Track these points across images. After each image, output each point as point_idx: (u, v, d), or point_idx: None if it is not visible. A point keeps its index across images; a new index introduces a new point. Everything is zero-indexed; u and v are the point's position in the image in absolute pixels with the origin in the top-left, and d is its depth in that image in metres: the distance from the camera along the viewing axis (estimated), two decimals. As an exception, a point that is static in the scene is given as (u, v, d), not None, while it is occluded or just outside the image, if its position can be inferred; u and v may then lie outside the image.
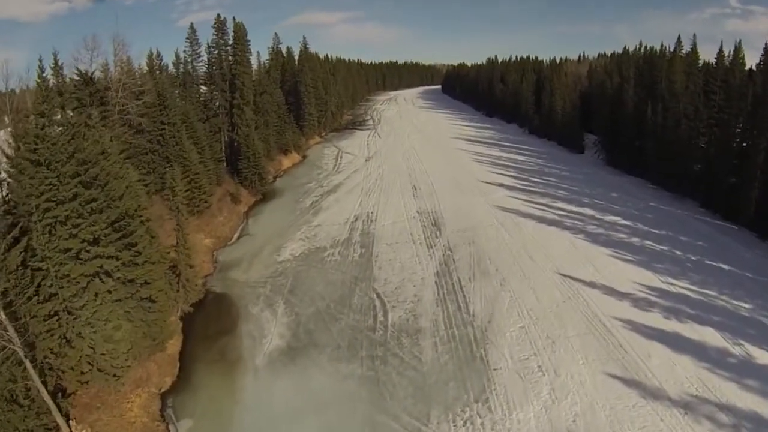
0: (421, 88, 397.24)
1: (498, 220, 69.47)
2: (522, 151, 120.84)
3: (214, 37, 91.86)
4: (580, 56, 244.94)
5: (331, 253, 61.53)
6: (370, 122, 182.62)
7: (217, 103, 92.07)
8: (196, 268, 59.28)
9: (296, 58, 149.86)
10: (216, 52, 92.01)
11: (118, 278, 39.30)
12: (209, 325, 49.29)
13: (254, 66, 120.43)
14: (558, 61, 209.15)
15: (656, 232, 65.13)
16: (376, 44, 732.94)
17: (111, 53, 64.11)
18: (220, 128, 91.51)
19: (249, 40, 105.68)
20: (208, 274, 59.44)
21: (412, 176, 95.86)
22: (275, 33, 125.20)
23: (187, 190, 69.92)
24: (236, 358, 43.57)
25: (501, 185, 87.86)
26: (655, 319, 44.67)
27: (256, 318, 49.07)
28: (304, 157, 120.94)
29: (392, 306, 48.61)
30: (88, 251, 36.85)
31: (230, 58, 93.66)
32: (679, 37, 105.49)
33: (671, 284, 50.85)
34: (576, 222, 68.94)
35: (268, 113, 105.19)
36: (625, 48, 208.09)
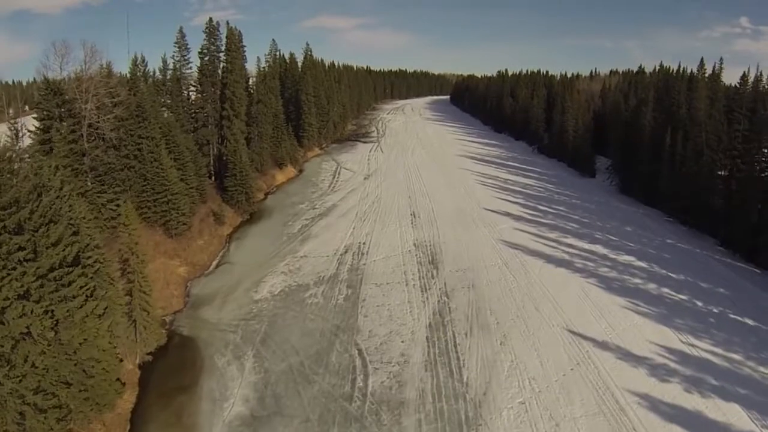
0: (429, 98, 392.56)
1: (502, 259, 63.22)
2: (530, 174, 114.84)
3: (205, 42, 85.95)
4: (592, 72, 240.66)
5: (314, 293, 55.26)
6: (374, 134, 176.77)
7: (207, 114, 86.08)
8: (164, 303, 53.99)
9: (300, 64, 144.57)
10: (207, 58, 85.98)
11: (52, 339, 33.24)
12: (169, 378, 43.23)
13: (254, 73, 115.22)
14: (569, 76, 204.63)
15: (674, 276, 59.31)
16: (386, 51, 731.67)
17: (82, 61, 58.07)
18: (208, 140, 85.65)
19: (244, 46, 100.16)
20: (177, 311, 53.78)
21: (412, 199, 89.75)
22: (273, 39, 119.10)
23: (164, 211, 64.56)
24: (192, 424, 37.47)
25: (507, 214, 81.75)
26: (674, 392, 38.68)
27: (221, 373, 42.88)
28: (301, 171, 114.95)
29: (375, 368, 42.27)
30: (14, 308, 30.83)
31: (222, 65, 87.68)
32: (702, 60, 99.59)
33: (693, 346, 45.01)
34: (587, 263, 62.82)
35: (263, 125, 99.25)
36: (640, 67, 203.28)
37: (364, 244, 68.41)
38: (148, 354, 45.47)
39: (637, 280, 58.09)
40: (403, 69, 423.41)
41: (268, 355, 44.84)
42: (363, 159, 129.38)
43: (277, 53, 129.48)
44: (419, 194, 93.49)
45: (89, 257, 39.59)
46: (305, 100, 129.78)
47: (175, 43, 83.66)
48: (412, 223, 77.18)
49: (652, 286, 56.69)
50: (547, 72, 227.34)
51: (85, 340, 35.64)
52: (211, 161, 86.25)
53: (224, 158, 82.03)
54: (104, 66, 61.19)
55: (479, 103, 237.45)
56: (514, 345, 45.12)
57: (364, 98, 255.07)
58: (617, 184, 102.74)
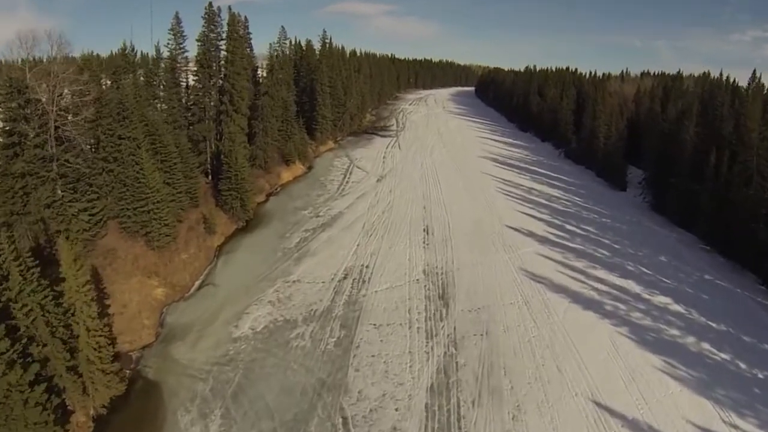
0: (453, 89, 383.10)
1: (523, 296, 55.19)
2: (557, 183, 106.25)
3: (204, 29, 78.02)
4: (622, 73, 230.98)
5: (301, 333, 47.60)
6: (393, 127, 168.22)
7: (203, 107, 78.55)
8: (132, 336, 47.06)
9: (317, 52, 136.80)
10: (205, 47, 78.20)
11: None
12: (124, 437, 36.29)
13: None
14: (600, 76, 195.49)
15: (715, 327, 51.31)
16: (412, 39, 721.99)
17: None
18: (204, 137, 78.19)
19: (250, 34, 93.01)
20: (147, 345, 46.81)
21: (427, 210, 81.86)
22: (281, 27, 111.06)
23: (144, 222, 57.42)
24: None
25: (530, 234, 73.64)
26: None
27: (180, 437, 35.68)
28: (310, 168, 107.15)
29: (360, 447, 34.74)
30: None
31: (222, 54, 79.98)
32: (754, 73, 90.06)
33: (736, 428, 37.46)
34: (619, 304, 54.69)
35: (269, 119, 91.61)
36: (679, 72, 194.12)
37: (366, 267, 60.60)
38: (102, 406, 38.51)
39: (675, 331, 50.01)
40: (428, 58, 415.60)
41: (237, 416, 37.54)
42: (378, 156, 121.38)
43: (287, 41, 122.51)
44: (435, 203, 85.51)
45: (23, 307, 32.90)
46: (320, 91, 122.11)
47: (170, 29, 76.04)
48: (424, 241, 69.25)
49: (690, 340, 48.68)
50: (575, 70, 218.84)
51: (7, 416, 28.92)
52: (208, 159, 78.88)
53: (221, 157, 74.65)
54: (70, 56, 53.51)
55: (505, 98, 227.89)
56: (529, 421, 37.37)
57: (386, 87, 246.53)
58: (650, 202, 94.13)
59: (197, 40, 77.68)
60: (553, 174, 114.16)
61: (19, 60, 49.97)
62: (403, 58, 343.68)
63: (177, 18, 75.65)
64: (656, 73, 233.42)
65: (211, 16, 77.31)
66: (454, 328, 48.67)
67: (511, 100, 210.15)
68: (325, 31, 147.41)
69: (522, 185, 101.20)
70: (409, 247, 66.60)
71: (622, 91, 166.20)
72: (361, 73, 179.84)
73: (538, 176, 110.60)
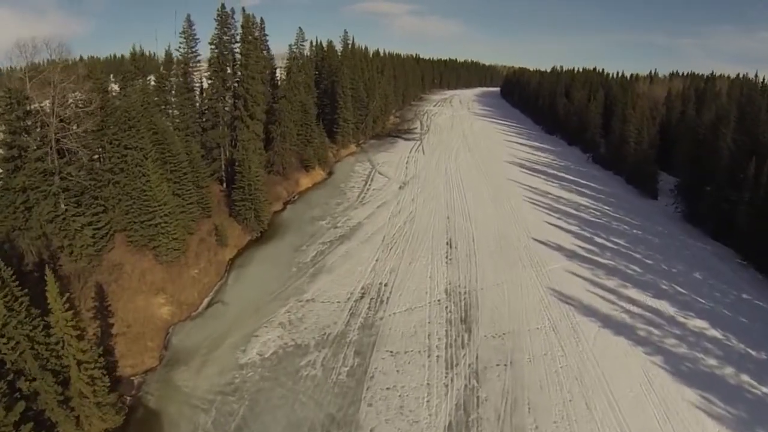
0: (478, 90, 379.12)
1: (550, 320, 51.50)
2: (585, 190, 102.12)
3: (217, 31, 75.09)
4: (651, 74, 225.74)
5: (313, 360, 44.39)
6: (417, 130, 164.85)
7: (217, 113, 75.78)
8: (135, 359, 44.46)
9: (339, 53, 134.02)
10: (217, 50, 75.34)
11: None
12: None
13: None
14: (627, 76, 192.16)
15: (755, 355, 47.46)
16: (436, 39, 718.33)
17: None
18: (218, 143, 75.42)
19: (267, 36, 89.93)
20: (149, 369, 43.97)
21: (451, 221, 78.30)
22: (299, 28, 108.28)
23: (152, 236, 54.77)
24: None
25: (559, 248, 69.85)
26: None
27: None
28: (330, 174, 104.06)
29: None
30: None
31: (237, 57, 77.07)
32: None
33: None
34: (652, 329, 50.93)
35: (287, 123, 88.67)
36: (712, 74, 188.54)
37: (385, 286, 57.21)
38: (103, 437, 35.93)
39: (712, 361, 46.16)
40: (453, 58, 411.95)
41: (239, 454, 34.42)
42: (401, 161, 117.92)
43: (305, 42, 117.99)
44: (459, 213, 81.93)
45: (9, 340, 30.46)
46: (341, 94, 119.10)
47: (181, 32, 73.20)
48: (446, 255, 65.70)
49: (729, 371, 44.86)
50: (602, 71, 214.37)
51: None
52: (222, 166, 76.15)
53: (235, 164, 71.90)
54: (73, 61, 50.96)
55: (530, 99, 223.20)
56: (557, 467, 33.80)
57: (411, 88, 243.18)
58: (682, 211, 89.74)
59: (210, 43, 74.96)
60: (581, 180, 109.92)
61: (20, 68, 47.32)
62: (427, 58, 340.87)
63: (188, 21, 72.84)
64: (685, 74, 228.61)
65: (224, 18, 74.36)
66: (477, 357, 45.15)
67: (537, 102, 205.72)
68: (346, 32, 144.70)
69: (550, 193, 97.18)
70: (430, 263, 63.11)
71: (651, 93, 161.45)
72: (384, 74, 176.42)
73: (566, 183, 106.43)
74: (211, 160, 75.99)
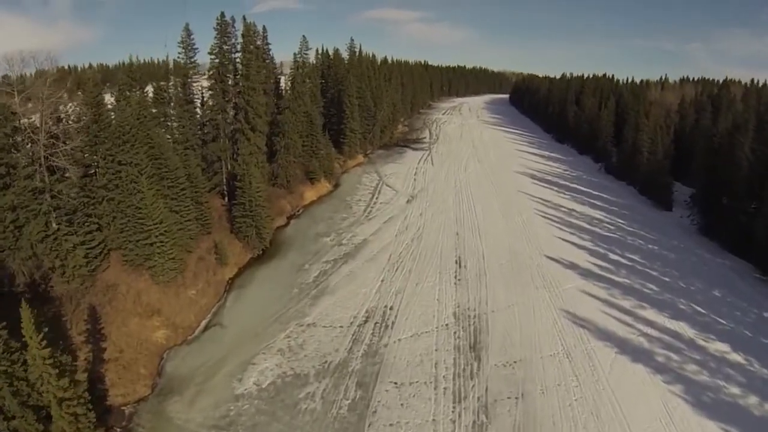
0: (487, 97, 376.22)
1: (564, 346, 48.76)
2: (598, 202, 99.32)
3: (216, 41, 72.76)
4: (661, 79, 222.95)
5: (312, 392, 41.76)
6: (426, 139, 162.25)
7: (217, 125, 73.51)
8: (126, 388, 42.30)
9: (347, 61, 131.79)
10: (218, 61, 73.02)
11: None
12: None
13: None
14: (638, 82, 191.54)
15: (780, 382, 44.06)
16: (445, 46, 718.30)
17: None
18: (219, 156, 73.14)
19: (269, 45, 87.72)
20: (141, 398, 41.56)
21: (460, 237, 75.60)
22: (303, 36, 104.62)
23: (147, 255, 52.52)
24: None
25: (572, 266, 67.12)
26: None
27: None
28: (336, 186, 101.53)
29: None
30: None
31: (238, 67, 74.72)
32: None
33: None
34: (671, 354, 48.33)
35: (291, 134, 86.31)
36: (725, 79, 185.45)
37: (390, 309, 54.55)
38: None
39: (735, 389, 43.47)
40: (462, 65, 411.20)
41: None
42: (410, 172, 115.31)
43: (309, 51, 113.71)
44: (468, 228, 79.25)
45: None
46: (347, 103, 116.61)
47: (180, 42, 70.82)
48: (455, 275, 62.99)
49: (753, 401, 42.23)
50: (613, 77, 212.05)
51: None
52: (224, 179, 73.82)
53: (237, 178, 69.63)
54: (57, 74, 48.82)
55: (540, 107, 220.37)
56: None
57: (419, 96, 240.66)
58: (698, 224, 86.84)
59: (209, 53, 72.60)
60: (594, 192, 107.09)
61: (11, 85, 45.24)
62: (436, 65, 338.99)
63: (187, 30, 70.51)
64: (696, 79, 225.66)
65: (223, 27, 71.96)
66: (486, 389, 42.42)
67: (547, 110, 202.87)
68: (352, 40, 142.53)
69: (562, 206, 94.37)
70: (438, 284, 60.43)
71: (663, 100, 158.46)
72: (392, 82, 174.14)
73: (579, 195, 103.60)
74: (212, 174, 73.79)
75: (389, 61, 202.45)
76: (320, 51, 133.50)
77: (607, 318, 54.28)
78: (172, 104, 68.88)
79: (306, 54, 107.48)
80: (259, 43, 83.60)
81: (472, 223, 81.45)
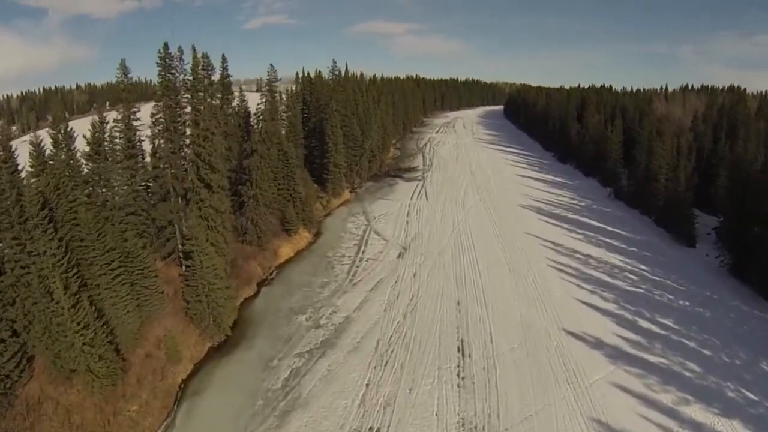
0: (480, 110, 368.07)
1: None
2: (614, 241, 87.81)
3: (161, 78, 59.90)
4: (663, 89, 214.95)
5: None
6: (419, 167, 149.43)
7: (163, 182, 61.12)
8: None
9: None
10: (161, 104, 60.32)
11: None
12: None
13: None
14: (636, 91, 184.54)
15: None
16: (436, 57, 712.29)
17: None
18: (171, 220, 60.95)
19: (229, 77, 75.54)
20: None
21: (462, 308, 62.92)
22: (270, 65, 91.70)
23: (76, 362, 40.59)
24: None
25: (598, 344, 55.30)
26: None
27: None
28: (317, 235, 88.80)
29: None
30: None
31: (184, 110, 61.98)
32: None
33: None
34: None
35: (261, 182, 74.25)
36: (738, 88, 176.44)
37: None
38: None
39: None
40: (454, 78, 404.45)
41: None
42: (401, 212, 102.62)
43: (277, 82, 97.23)
44: (471, 294, 66.98)
45: None
46: (330, 134, 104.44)
47: (118, 78, 58.34)
48: (457, 371, 50.39)
49: None
50: (610, 87, 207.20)
51: None
52: (178, 245, 61.57)
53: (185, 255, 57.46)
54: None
55: (538, 122, 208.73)
56: None
57: (411, 114, 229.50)
58: (727, 263, 76.02)
59: (156, 92, 60.13)
60: (608, 228, 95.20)
61: None
62: (428, 78, 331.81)
63: (123, 66, 58.37)
64: (698, 88, 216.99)
65: (166, 62, 59.17)
66: None
67: (546, 126, 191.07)
68: (335, 62, 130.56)
69: (576, 251, 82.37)
70: (437, 388, 47.84)
71: (671, 114, 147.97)
72: (381, 102, 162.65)
73: (592, 233, 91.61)
74: (165, 240, 61.60)
75: (379, 80, 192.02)
76: (301, 74, 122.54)
77: (647, 425, 42.64)
78: (110, 159, 56.31)
79: (275, 84, 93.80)
80: (216, 77, 71.35)
81: (476, 285, 69.21)
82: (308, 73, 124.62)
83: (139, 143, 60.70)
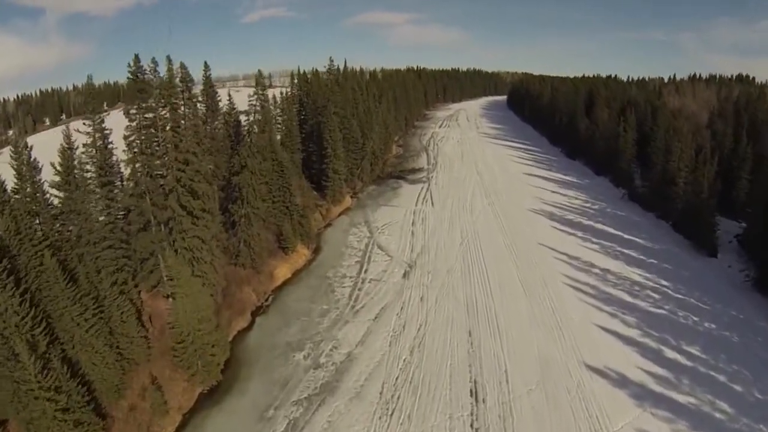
0: (483, 100, 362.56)
1: None
2: (633, 252, 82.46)
3: (139, 95, 53.78)
4: (671, 80, 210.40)
5: None
6: (423, 166, 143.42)
7: (141, 211, 55.73)
8: None
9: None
10: (134, 124, 54.48)
11: None
12: None
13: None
14: (641, 79, 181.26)
15: None
16: (437, 47, 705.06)
17: None
18: (152, 252, 55.82)
19: (214, 88, 70.29)
20: None
21: (474, 340, 57.41)
22: (258, 71, 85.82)
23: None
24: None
25: (622, 382, 50.33)
26: None
27: None
28: (316, 251, 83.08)
29: None
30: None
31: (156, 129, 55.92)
32: None
33: None
34: None
35: (253, 200, 69.00)
36: (747, 77, 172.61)
37: None
38: None
39: None
40: (455, 68, 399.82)
41: None
42: (406, 220, 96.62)
43: (265, 92, 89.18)
44: (484, 321, 61.59)
45: None
46: (329, 139, 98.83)
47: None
48: (471, 425, 45.04)
49: None
50: (621, 79, 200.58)
51: None
52: (164, 277, 56.48)
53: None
54: None
55: (544, 115, 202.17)
56: None
57: (414, 108, 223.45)
58: (753, 277, 70.83)
59: (125, 114, 54.37)
60: (624, 235, 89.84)
61: None
62: (429, 68, 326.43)
63: (89, 83, 52.79)
64: (707, 77, 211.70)
65: (137, 75, 53.20)
66: None
67: (553, 119, 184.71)
68: (332, 60, 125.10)
69: (594, 264, 77.11)
70: (449, 442, 43.13)
71: (685, 108, 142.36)
72: (383, 99, 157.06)
73: (608, 242, 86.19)
74: (148, 272, 56.51)
75: (379, 73, 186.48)
76: (296, 73, 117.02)
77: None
78: (81, 188, 50.82)
79: (263, 95, 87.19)
80: (198, 89, 65.76)
81: (488, 310, 63.88)
82: (304, 72, 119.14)
83: (116, 164, 55.29)
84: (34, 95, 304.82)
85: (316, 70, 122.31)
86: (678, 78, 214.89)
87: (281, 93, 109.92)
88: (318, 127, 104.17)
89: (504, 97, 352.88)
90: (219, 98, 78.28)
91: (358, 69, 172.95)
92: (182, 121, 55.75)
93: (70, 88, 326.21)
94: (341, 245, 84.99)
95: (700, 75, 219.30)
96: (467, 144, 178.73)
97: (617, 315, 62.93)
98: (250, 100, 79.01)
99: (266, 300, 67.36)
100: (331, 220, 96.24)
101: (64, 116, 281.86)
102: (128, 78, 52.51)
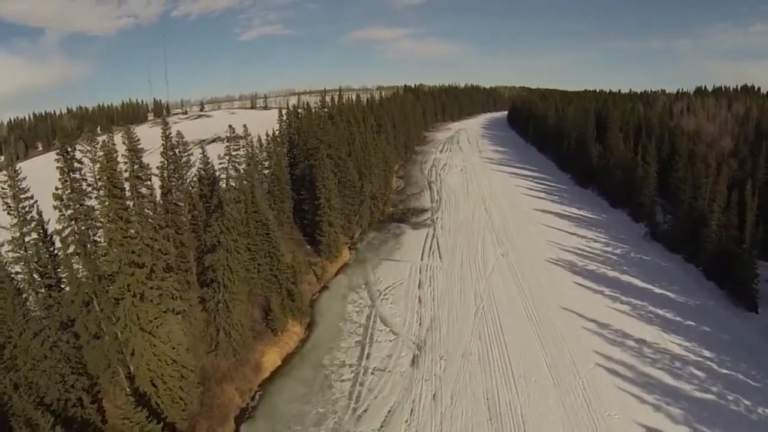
0: (482, 118, 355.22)
1: None
2: (669, 313, 72.80)
3: (62, 178, 43.68)
4: (678, 94, 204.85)
5: None
6: (427, 205, 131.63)
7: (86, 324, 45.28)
8: None
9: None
10: (69, 212, 44.34)
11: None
12: None
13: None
14: (644, 93, 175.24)
15: None
16: (435, 62, 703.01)
17: None
18: (109, 365, 45.55)
19: (188, 152, 60.63)
20: None
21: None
22: (229, 126, 73.93)
23: None
24: None
25: None
26: None
27: None
28: (310, 327, 72.06)
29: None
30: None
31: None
32: None
33: None
34: None
35: (231, 284, 58.62)
36: (752, 87, 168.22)
37: None
38: None
39: None
40: (454, 85, 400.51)
41: None
42: (412, 282, 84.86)
43: (238, 148, 74.59)
44: (509, 429, 51.37)
45: None
46: (322, 187, 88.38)
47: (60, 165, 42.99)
48: None
49: None
50: (622, 92, 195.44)
51: None
52: (126, 389, 46.24)
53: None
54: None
55: (551, 138, 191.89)
56: None
57: (413, 131, 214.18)
58: None
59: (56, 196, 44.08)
60: (655, 289, 80.00)
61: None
62: (428, 85, 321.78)
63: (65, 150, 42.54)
64: (711, 89, 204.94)
65: (69, 163, 42.98)
66: None
67: (561, 144, 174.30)
68: (323, 94, 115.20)
69: (627, 334, 67.10)
70: None
71: (702, 131, 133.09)
72: (382, 130, 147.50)
73: (639, 300, 76.14)
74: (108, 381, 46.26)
75: (377, 96, 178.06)
76: (285, 109, 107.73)
77: None
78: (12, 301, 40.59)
79: (235, 155, 70.57)
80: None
81: (513, 412, 53.03)
82: (294, 107, 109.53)
83: (58, 263, 45.05)
84: (27, 119, 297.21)
85: (308, 103, 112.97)
86: (683, 89, 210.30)
87: (267, 135, 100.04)
88: (310, 170, 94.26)
89: (503, 114, 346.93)
90: (190, 152, 67.69)
91: (354, 96, 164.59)
92: (130, 205, 45.04)
93: (64, 111, 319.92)
94: (339, 318, 73.91)
95: (705, 87, 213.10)
96: (471, 172, 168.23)
97: (661, 407, 53.31)
98: (220, 162, 68.12)
99: (252, 399, 56.95)
100: (326, 281, 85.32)
101: (57, 141, 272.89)
102: (56, 166, 42.03)
